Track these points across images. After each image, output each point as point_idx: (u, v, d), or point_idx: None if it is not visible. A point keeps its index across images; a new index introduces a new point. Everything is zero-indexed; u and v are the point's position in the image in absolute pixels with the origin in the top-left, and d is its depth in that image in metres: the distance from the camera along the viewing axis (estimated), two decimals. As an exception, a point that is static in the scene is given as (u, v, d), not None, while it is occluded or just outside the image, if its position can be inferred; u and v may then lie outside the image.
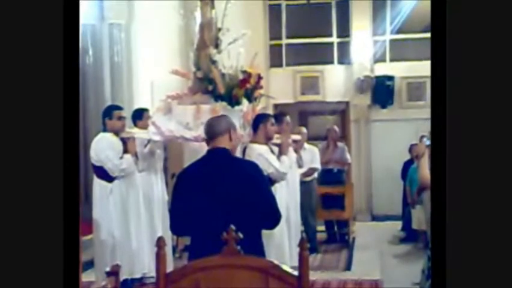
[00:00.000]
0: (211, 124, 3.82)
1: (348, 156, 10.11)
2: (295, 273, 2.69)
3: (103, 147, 6.41)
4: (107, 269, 3.34)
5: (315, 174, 8.80)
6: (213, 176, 3.66)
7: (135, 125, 6.99)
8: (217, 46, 6.54)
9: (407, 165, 9.87)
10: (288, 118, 6.97)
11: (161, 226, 6.63)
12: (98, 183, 6.48)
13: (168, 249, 5.87)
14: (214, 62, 6.45)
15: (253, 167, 3.83)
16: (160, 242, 2.77)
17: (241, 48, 6.49)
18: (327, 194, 9.36)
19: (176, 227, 3.80)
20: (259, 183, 3.71)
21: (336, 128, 10.20)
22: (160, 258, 2.77)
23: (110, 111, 6.61)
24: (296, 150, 7.10)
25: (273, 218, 3.74)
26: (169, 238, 6.03)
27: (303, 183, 7.51)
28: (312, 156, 8.69)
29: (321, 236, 9.51)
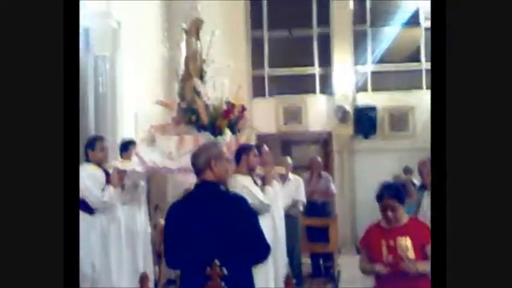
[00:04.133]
0: (192, 159, 3.82)
1: (332, 187, 10.08)
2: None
3: (84, 179, 6.33)
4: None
5: (300, 206, 8.74)
6: (201, 209, 3.65)
7: (121, 156, 6.96)
8: (201, 77, 6.58)
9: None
10: (265, 148, 6.96)
11: (143, 259, 6.57)
12: (80, 216, 6.40)
13: (150, 284, 5.81)
14: (198, 93, 6.47)
15: (241, 200, 3.82)
16: (143, 279, 2.76)
17: (225, 79, 6.53)
18: (312, 226, 9.26)
19: (169, 260, 3.79)
20: (247, 217, 3.71)
21: (318, 158, 10.20)
22: (144, 291, 2.76)
23: (93, 142, 6.57)
24: (280, 181, 7.09)
25: (262, 251, 3.73)
26: (151, 272, 5.97)
27: (287, 215, 7.47)
28: (297, 187, 8.61)
29: (307, 268, 9.42)
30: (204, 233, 3.56)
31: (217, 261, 2.69)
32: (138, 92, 9.71)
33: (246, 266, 3.65)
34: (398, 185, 5.20)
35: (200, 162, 3.74)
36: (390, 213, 4.58)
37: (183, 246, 3.61)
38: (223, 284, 2.68)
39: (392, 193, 4.65)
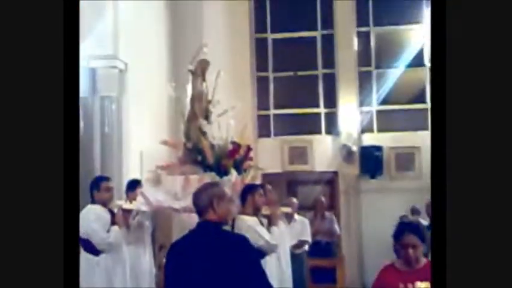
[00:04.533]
0: (193, 198, 3.80)
1: (336, 227, 10.04)
2: None
3: (89, 220, 6.33)
4: None
5: (306, 247, 8.69)
6: (202, 250, 3.62)
7: (127, 196, 6.96)
8: (207, 117, 6.62)
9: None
10: (269, 187, 6.94)
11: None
12: (84, 256, 6.37)
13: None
14: (203, 133, 6.51)
15: (243, 241, 3.80)
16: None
17: (231, 119, 6.57)
18: (317, 266, 9.19)
19: None
20: (249, 258, 3.68)
21: (323, 198, 10.18)
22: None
23: (98, 182, 6.58)
24: (286, 221, 7.07)
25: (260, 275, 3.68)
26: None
27: (293, 256, 7.42)
28: (303, 227, 8.57)
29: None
30: (205, 273, 3.54)
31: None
32: (144, 132, 9.75)
33: None
34: (417, 223, 5.00)
35: (202, 201, 3.73)
36: (411, 251, 4.25)
37: (183, 286, 3.57)
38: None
39: (412, 230, 4.36)
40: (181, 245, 3.80)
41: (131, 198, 6.82)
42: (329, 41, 12.84)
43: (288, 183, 12.47)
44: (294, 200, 8.88)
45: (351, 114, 12.44)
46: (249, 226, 5.74)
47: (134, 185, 7.02)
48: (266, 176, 11.45)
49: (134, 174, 8.16)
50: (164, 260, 3.83)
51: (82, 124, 9.15)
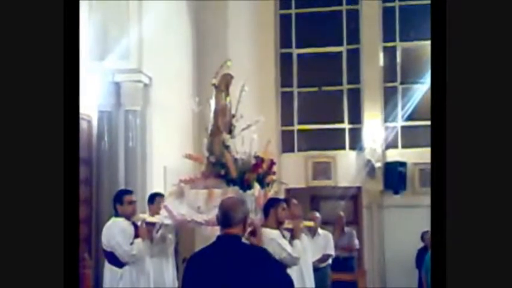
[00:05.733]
0: (227, 213, 3.76)
1: (356, 241, 10.04)
2: None
3: (113, 233, 6.40)
4: None
5: (329, 261, 8.71)
6: (222, 262, 3.63)
7: (149, 209, 7.00)
8: (230, 132, 6.64)
9: (421, 252, 9.74)
10: (294, 201, 6.95)
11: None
12: (108, 269, 6.44)
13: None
14: (227, 147, 6.53)
15: (263, 253, 3.81)
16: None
17: (254, 134, 6.58)
18: (339, 280, 9.21)
19: None
20: (270, 269, 3.68)
21: (342, 213, 10.18)
22: None
23: (121, 196, 6.64)
24: (309, 235, 7.06)
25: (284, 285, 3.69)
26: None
27: (317, 270, 7.41)
28: (327, 241, 8.66)
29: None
30: (224, 284, 3.54)
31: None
32: (167, 146, 9.81)
33: None
34: None
35: (236, 218, 3.73)
36: None
37: None
38: None
39: None
40: (200, 256, 3.81)
41: (153, 211, 6.86)
42: (354, 56, 12.82)
43: (312, 198, 12.44)
44: (317, 214, 8.88)
45: (376, 129, 12.39)
46: (271, 239, 5.75)
47: (156, 198, 7.06)
48: (289, 191, 11.46)
49: (157, 188, 8.21)
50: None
51: (106, 138, 9.25)
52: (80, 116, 8.85)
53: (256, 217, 6.16)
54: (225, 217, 3.74)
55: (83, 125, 8.98)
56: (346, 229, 10.00)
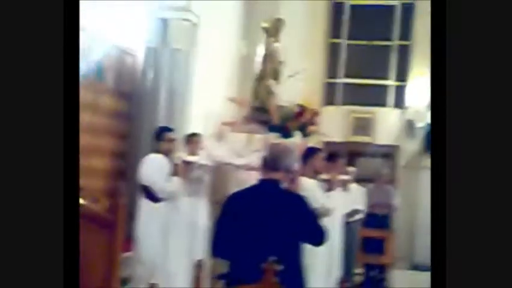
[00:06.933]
0: (276, 157, 3.79)
1: (396, 201, 9.99)
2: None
3: (151, 168, 6.45)
4: (145, 287, 3.36)
5: (359, 216, 8.72)
6: (261, 205, 3.66)
7: (187, 149, 7.03)
8: (276, 78, 6.60)
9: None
10: (341, 161, 6.95)
11: (202, 252, 6.61)
12: (144, 203, 6.52)
13: (205, 274, 5.86)
14: (272, 93, 6.51)
15: (301, 200, 3.82)
16: (199, 264, 2.78)
17: (300, 82, 6.54)
18: (369, 237, 9.26)
19: (217, 249, 3.80)
20: (306, 215, 3.71)
21: (385, 171, 10.12)
22: (198, 279, 2.78)
23: (162, 132, 6.66)
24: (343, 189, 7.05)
25: (318, 232, 3.73)
26: (207, 262, 6.01)
27: (346, 224, 7.43)
28: (358, 197, 8.65)
29: (358, 278, 9.37)
30: (260, 227, 3.57)
31: (272, 258, 2.68)
32: (210, 89, 9.78)
33: (298, 265, 3.65)
34: None
35: (284, 163, 3.75)
36: None
37: (235, 236, 3.62)
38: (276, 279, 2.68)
39: None
40: (239, 196, 3.85)
41: (190, 151, 6.89)
42: (408, 11, 12.56)
43: (349, 154, 12.38)
44: (352, 169, 8.85)
45: (421, 89, 12.20)
46: (307, 188, 5.74)
47: (194, 138, 7.07)
48: (327, 145, 11.41)
49: (197, 129, 8.22)
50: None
51: (150, 74, 9.26)
52: (125, 50, 8.88)
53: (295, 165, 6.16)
54: (273, 161, 3.74)
55: (127, 59, 8.99)
56: (388, 187, 9.96)
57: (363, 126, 12.64)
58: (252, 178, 3.92)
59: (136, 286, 6.29)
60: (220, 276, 6.82)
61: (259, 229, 3.59)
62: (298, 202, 3.77)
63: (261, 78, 6.57)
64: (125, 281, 6.52)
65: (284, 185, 3.83)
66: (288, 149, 3.95)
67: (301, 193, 5.28)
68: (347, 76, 12.80)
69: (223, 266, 4.67)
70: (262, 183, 3.77)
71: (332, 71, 12.76)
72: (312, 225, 3.70)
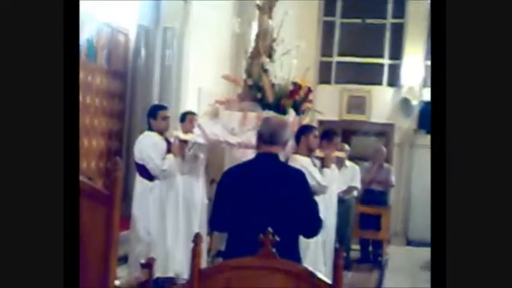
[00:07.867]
0: (274, 131, 3.77)
1: (393, 178, 10.06)
2: (329, 281, 2.68)
3: (146, 146, 6.45)
4: (142, 261, 3.38)
5: (355, 193, 8.80)
6: (259, 178, 3.67)
7: (181, 127, 7.02)
8: (270, 56, 6.57)
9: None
10: (338, 138, 6.95)
11: (198, 229, 6.62)
12: (139, 181, 6.52)
13: (203, 249, 5.88)
14: (265, 71, 6.47)
15: (300, 174, 3.83)
16: (197, 239, 2.79)
17: (294, 59, 6.52)
18: (365, 213, 9.39)
19: (215, 222, 3.82)
20: (303, 191, 3.72)
21: (384, 149, 10.18)
22: (195, 254, 2.78)
23: (156, 111, 6.65)
24: (338, 166, 7.06)
25: (313, 225, 3.74)
26: (204, 239, 6.03)
27: (341, 201, 7.46)
28: (353, 174, 8.72)
29: (354, 254, 9.47)
30: (257, 200, 3.59)
31: (270, 229, 2.70)
32: (204, 66, 9.76)
33: (294, 237, 3.68)
34: None
35: (282, 139, 3.76)
36: None
37: (233, 209, 3.64)
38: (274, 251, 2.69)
39: None
40: (237, 170, 3.86)
41: (185, 129, 6.88)
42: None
43: (344, 132, 12.39)
44: (347, 146, 8.88)
45: (416, 67, 12.19)
46: (301, 166, 5.74)
47: (188, 116, 7.06)
48: (322, 123, 11.42)
49: (191, 108, 8.22)
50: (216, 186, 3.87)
51: (143, 53, 9.23)
52: (118, 29, 8.84)
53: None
54: (270, 135, 3.74)
55: (120, 38, 8.95)
56: (385, 165, 10.02)
57: (357, 104, 12.65)
58: (248, 156, 3.91)
59: (132, 263, 6.32)
60: (218, 254, 6.87)
61: (257, 201, 3.61)
62: (297, 177, 3.77)
63: (254, 56, 6.53)
64: (120, 259, 6.55)
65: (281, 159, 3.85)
66: (283, 123, 3.95)
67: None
68: (341, 54, 12.79)
69: (221, 243, 4.71)
70: (260, 156, 3.77)
71: (326, 50, 12.74)
72: (308, 216, 3.70)
